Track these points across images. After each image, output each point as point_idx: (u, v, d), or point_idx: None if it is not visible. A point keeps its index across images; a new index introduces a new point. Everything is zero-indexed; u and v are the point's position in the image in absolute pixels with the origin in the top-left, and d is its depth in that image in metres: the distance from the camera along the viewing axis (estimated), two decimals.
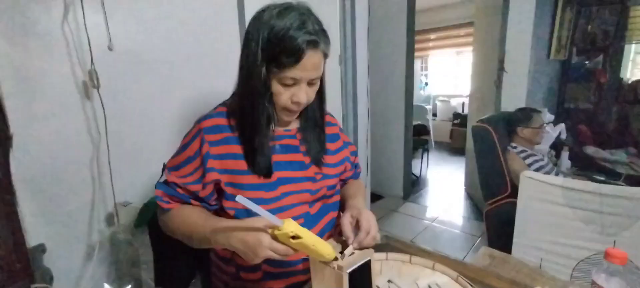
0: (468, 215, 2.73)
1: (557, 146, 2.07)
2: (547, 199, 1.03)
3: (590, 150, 2.45)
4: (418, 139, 3.71)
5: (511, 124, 1.72)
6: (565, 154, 1.94)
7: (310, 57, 0.58)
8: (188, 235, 0.62)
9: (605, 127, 3.33)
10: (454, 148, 4.69)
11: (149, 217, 0.95)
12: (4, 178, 0.76)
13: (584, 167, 2.11)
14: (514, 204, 1.58)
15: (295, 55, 0.57)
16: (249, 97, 0.62)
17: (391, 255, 0.82)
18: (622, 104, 3.44)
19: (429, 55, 5.46)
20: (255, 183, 0.65)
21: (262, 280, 0.70)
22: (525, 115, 1.70)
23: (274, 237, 0.53)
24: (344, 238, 0.65)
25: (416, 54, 3.04)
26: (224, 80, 1.27)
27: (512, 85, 2.25)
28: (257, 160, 0.64)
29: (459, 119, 4.75)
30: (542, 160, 1.66)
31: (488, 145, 1.63)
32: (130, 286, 0.99)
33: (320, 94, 0.72)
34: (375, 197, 3.09)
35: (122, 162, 1.05)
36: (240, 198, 0.47)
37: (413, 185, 3.33)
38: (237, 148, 0.65)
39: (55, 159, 0.94)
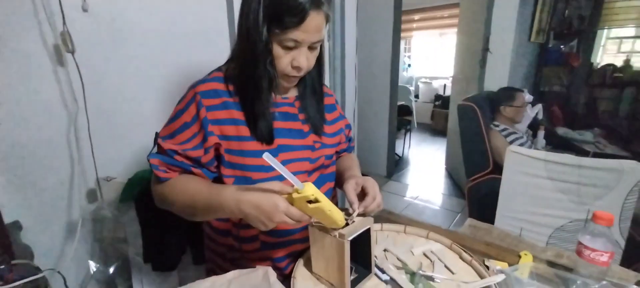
0: (448, 192, 2.83)
1: (534, 126, 2.16)
2: (530, 172, 1.08)
3: (561, 130, 2.59)
4: (401, 119, 3.76)
5: (495, 102, 1.77)
6: (541, 133, 2.02)
7: (314, 18, 0.55)
8: (189, 205, 0.59)
9: (575, 109, 3.51)
10: (435, 129, 4.81)
11: (136, 192, 0.91)
12: None
13: (557, 146, 2.23)
14: (495, 179, 1.65)
15: (299, 15, 0.54)
16: (250, 60, 0.59)
17: (386, 225, 0.83)
18: (591, 88, 3.63)
19: (413, 36, 5.46)
20: (257, 150, 0.63)
21: (261, 250, 0.69)
22: (508, 94, 1.75)
23: (290, 202, 0.52)
24: (347, 207, 0.65)
25: (400, 34, 3.03)
26: (211, 50, 1.21)
27: (495, 66, 2.30)
28: (259, 126, 0.62)
29: (441, 101, 4.84)
30: (521, 138, 1.73)
31: (473, 122, 1.67)
32: (115, 265, 0.96)
33: (319, 62, 0.69)
34: None
35: (104, 135, 0.99)
36: (267, 156, 0.46)
37: (396, 165, 3.40)
38: (237, 114, 0.63)
39: (27, 131, 0.87)
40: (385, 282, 0.64)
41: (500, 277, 0.59)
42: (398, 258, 0.71)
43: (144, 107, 1.09)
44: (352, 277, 0.65)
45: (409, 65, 5.60)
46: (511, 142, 1.69)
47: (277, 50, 0.59)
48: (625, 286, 0.60)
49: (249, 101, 0.61)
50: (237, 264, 0.67)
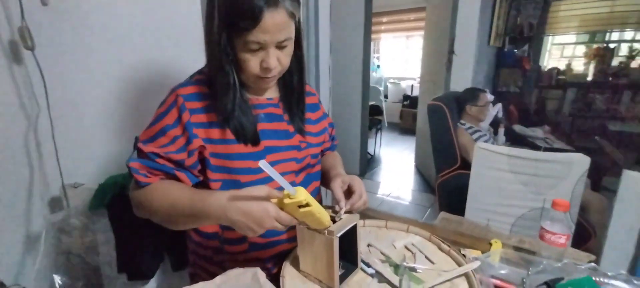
0: (418, 188, 2.96)
1: (495, 123, 2.33)
2: (495, 167, 1.17)
3: (518, 128, 2.81)
4: (372, 119, 3.86)
5: (461, 102, 1.88)
6: (501, 131, 2.18)
7: (271, 17, 0.53)
8: (170, 212, 0.57)
9: (528, 108, 3.83)
10: (404, 128, 4.99)
11: (108, 199, 0.86)
12: None
13: (514, 142, 2.42)
14: (463, 175, 1.76)
15: (252, 17, 0.52)
16: (215, 66, 0.58)
17: (368, 221, 0.86)
18: (540, 89, 3.99)
19: (381, 38, 5.63)
20: (243, 153, 0.62)
21: (248, 252, 0.68)
22: (473, 94, 1.87)
23: (279, 206, 0.52)
24: (333, 204, 0.66)
25: (371, 36, 3.12)
26: (184, 47, 1.17)
27: (460, 68, 2.44)
28: (243, 128, 0.62)
29: (409, 101, 5.04)
30: (485, 135, 1.86)
31: (441, 121, 1.77)
32: (83, 278, 0.90)
33: (299, 60, 0.69)
34: None
35: (69, 139, 0.93)
36: (263, 164, 0.46)
37: (368, 163, 3.49)
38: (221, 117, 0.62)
39: None
40: (371, 275, 0.66)
41: (476, 264, 0.64)
42: (382, 253, 0.74)
43: (114, 107, 1.03)
44: (339, 273, 0.66)
45: (378, 66, 5.76)
46: (476, 140, 1.80)
47: (242, 54, 0.57)
48: (579, 264, 0.67)
49: (223, 104, 0.60)
50: (223, 267, 0.66)
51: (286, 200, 0.51)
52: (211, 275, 0.62)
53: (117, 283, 0.84)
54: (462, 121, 1.87)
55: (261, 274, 0.61)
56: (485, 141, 1.82)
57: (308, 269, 0.65)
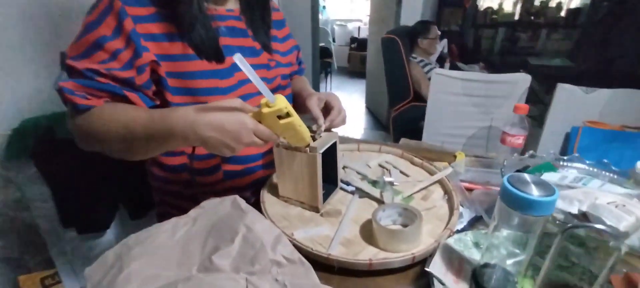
0: (370, 127, 3.07)
1: (440, 60, 2.44)
2: (450, 91, 1.24)
3: (459, 64, 2.99)
4: (322, 62, 3.78)
5: (412, 35, 1.90)
6: (447, 66, 2.30)
7: None
8: (126, 137, 0.47)
9: (466, 46, 4.08)
10: (353, 71, 5.01)
11: (30, 144, 0.71)
12: None
13: None
14: (416, 107, 1.84)
15: None
16: None
17: (340, 146, 0.84)
18: (476, 27, 4.26)
19: None
20: (207, 71, 0.53)
21: (223, 181, 0.62)
22: (424, 27, 1.89)
23: (256, 120, 0.46)
24: (309, 124, 0.62)
25: None
26: None
27: (409, 5, 2.44)
28: (202, 42, 0.52)
29: (356, 43, 5.00)
30: (435, 69, 1.94)
31: (395, 54, 1.78)
32: (15, 239, 0.76)
33: None
34: None
35: None
36: (239, 58, 0.39)
37: None
38: (173, 28, 0.51)
39: None
40: (352, 192, 0.66)
41: (448, 170, 0.67)
42: (358, 173, 0.74)
43: (21, 30, 0.81)
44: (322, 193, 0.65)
45: (324, 7, 5.53)
46: (427, 72, 1.87)
47: None
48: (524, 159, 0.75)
49: (181, 12, 0.50)
50: (196, 201, 0.60)
51: (265, 110, 0.45)
52: (183, 211, 0.56)
53: (65, 237, 0.73)
54: (414, 55, 1.91)
55: (241, 200, 0.57)
56: None
57: (288, 193, 0.63)
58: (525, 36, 4.32)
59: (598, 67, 3.46)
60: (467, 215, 0.58)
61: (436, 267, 0.44)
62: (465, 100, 1.21)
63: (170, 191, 0.64)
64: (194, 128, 0.44)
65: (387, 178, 0.69)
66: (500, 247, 0.41)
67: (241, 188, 0.65)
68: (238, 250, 0.46)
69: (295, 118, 0.48)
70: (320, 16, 5.53)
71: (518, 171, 0.60)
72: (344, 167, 0.76)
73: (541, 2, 4.06)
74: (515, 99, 1.17)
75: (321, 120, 0.60)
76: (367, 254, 0.50)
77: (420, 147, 1.19)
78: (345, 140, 0.91)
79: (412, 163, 0.77)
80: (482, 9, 4.22)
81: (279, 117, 0.47)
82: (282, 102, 0.45)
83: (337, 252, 0.50)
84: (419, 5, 2.48)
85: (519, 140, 0.68)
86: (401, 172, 0.73)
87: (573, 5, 3.83)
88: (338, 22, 5.47)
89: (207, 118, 0.44)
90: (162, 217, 0.68)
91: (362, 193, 0.65)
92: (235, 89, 0.57)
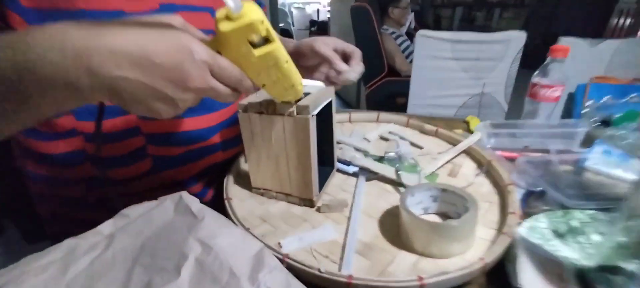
0: (337, 109, 2.91)
1: (408, 35, 2.33)
2: (438, 55, 1.09)
3: None
4: None
5: (382, 4, 1.75)
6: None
7: None
8: None
9: (427, 25, 4.09)
10: None
11: None
12: None
13: None
14: (391, 82, 1.70)
15: None
16: None
17: None
18: (435, 7, 4.32)
19: None
20: None
21: (152, 173, 0.39)
22: None
23: (214, 49, 0.25)
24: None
25: None
26: None
27: None
28: None
29: (316, 26, 4.79)
30: (407, 41, 1.81)
31: (366, 25, 1.61)
32: None
33: None
34: None
35: None
36: None
37: None
38: None
39: None
40: (354, 174, 0.48)
41: (477, 136, 0.51)
42: (356, 149, 0.55)
43: None
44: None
45: None
46: (400, 44, 1.74)
47: None
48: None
49: None
50: (113, 209, 0.36)
51: (223, 26, 0.24)
52: (89, 227, 0.32)
53: None
54: (385, 26, 1.76)
55: (191, 200, 0.35)
56: (407, 47, 1.77)
57: (265, 182, 0.42)
58: (480, 15, 4.45)
59: (548, 41, 3.66)
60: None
61: (529, 277, 0.27)
62: (453, 64, 1.07)
63: (62, 198, 0.40)
64: (91, 62, 0.21)
65: (395, 152, 0.52)
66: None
67: (186, 182, 0.42)
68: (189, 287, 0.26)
69: (278, 46, 0.27)
70: None
71: (600, 124, 0.45)
72: (337, 142, 0.57)
73: None
74: (508, 61, 1.06)
75: (340, 63, 0.41)
76: (405, 266, 0.31)
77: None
78: None
79: (423, 131, 0.60)
80: None
81: (253, 46, 0.26)
82: (253, 12, 0.24)
83: (358, 269, 0.31)
84: None
85: (557, 93, 0.54)
86: (412, 143, 0.56)
87: None
88: (296, 5, 5.21)
89: (117, 41, 0.22)
90: (57, 239, 0.44)
91: (371, 175, 0.47)
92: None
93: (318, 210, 0.41)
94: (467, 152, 0.51)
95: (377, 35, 1.62)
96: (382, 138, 0.59)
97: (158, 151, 0.38)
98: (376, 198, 0.42)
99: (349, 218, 0.39)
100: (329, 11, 3.97)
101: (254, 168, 0.42)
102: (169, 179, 0.40)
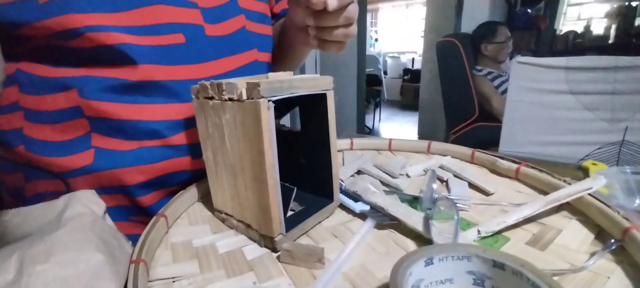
0: None
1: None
2: (545, 88, 0.81)
3: None
4: (370, 90, 3.49)
5: (475, 41, 1.51)
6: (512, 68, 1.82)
7: None
8: None
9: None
10: (405, 104, 4.61)
11: None
12: None
13: None
14: (482, 127, 1.40)
15: None
16: None
17: (358, 141, 0.50)
18: (554, 54, 3.63)
19: (379, 9, 5.23)
20: None
21: (90, 172, 0.31)
22: (489, 29, 1.49)
23: None
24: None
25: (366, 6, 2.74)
26: None
27: (472, 10, 2.05)
28: None
29: (410, 75, 4.65)
30: (508, 81, 1.50)
31: (455, 61, 1.41)
32: None
33: None
34: None
35: None
36: None
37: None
38: None
39: None
40: (367, 213, 0.31)
41: (601, 183, 0.28)
42: (382, 183, 0.38)
43: None
44: (293, 212, 0.32)
45: (376, 40, 5.37)
46: (498, 87, 1.45)
47: None
48: None
49: None
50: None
51: None
52: None
53: None
54: (479, 67, 1.50)
55: (89, 198, 0.25)
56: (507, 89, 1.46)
57: (226, 205, 0.30)
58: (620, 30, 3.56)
59: None
60: None
61: None
62: (570, 100, 0.75)
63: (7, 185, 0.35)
64: None
65: (442, 194, 0.33)
66: None
67: (134, 189, 0.33)
68: None
69: None
70: (371, 49, 5.37)
71: None
72: (358, 172, 0.41)
73: None
74: None
75: None
76: None
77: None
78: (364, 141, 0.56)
79: (494, 170, 0.39)
80: (561, 33, 3.64)
81: None
82: None
83: None
84: (483, 12, 2.06)
85: None
86: (472, 185, 0.36)
87: None
88: (391, 55, 5.23)
89: None
90: None
91: (384, 219, 0.30)
92: None
93: (278, 256, 0.26)
94: (577, 210, 0.29)
95: (466, 73, 1.39)
96: (430, 171, 0.41)
97: (102, 142, 0.31)
98: (379, 258, 0.25)
99: (321, 277, 0.23)
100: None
101: (213, 183, 0.31)
102: (115, 181, 0.32)
